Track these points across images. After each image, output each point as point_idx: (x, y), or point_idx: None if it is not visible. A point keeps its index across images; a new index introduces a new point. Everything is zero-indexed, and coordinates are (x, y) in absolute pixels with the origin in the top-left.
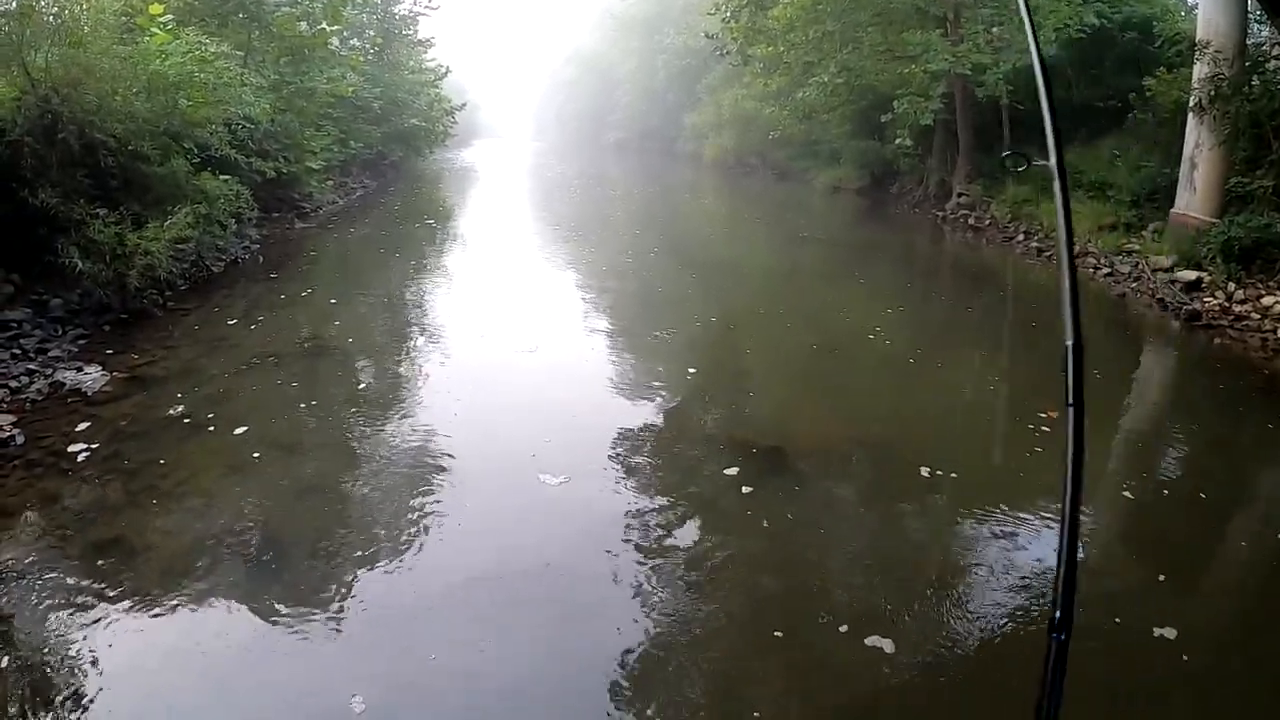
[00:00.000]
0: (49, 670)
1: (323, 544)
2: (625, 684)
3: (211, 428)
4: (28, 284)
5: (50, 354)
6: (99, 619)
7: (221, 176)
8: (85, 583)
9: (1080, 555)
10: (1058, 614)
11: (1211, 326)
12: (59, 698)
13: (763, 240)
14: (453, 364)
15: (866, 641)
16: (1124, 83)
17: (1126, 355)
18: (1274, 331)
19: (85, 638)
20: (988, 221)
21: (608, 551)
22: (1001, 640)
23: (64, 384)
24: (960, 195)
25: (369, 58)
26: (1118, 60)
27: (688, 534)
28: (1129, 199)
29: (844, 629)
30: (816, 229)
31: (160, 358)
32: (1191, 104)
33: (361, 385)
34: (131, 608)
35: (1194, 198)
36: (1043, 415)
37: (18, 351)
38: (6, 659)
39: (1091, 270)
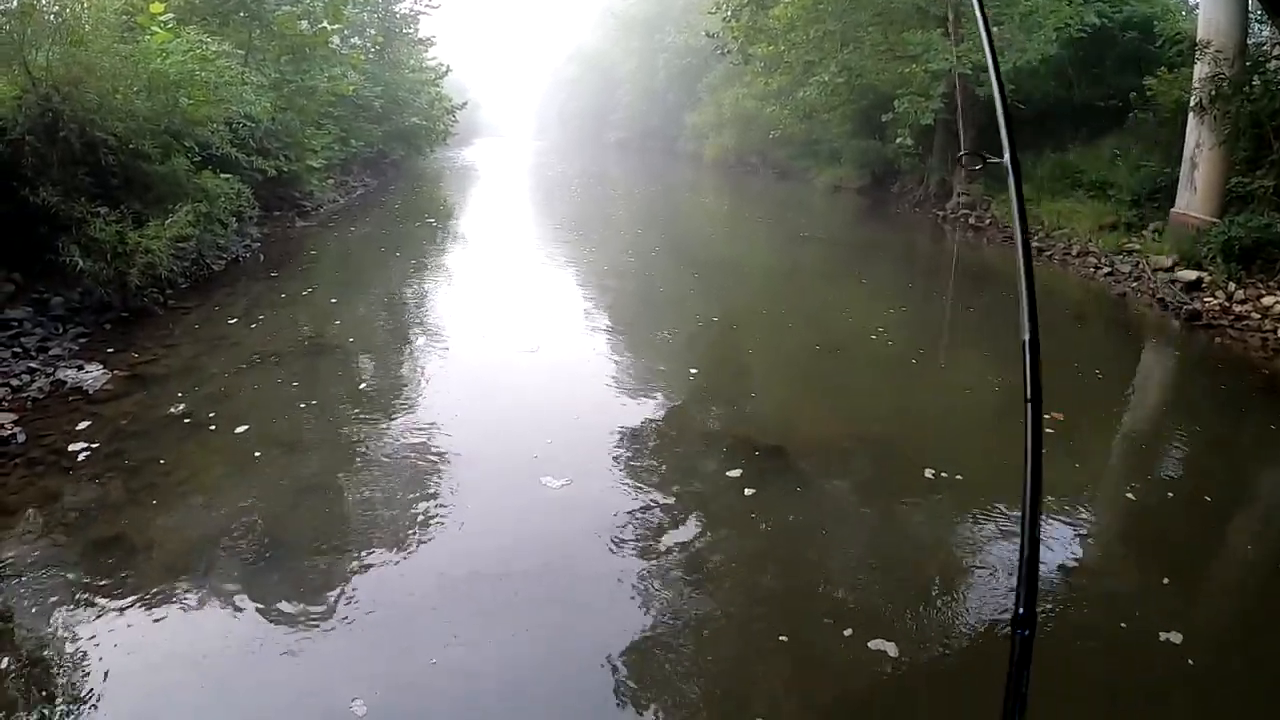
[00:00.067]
0: (49, 669)
1: (323, 543)
2: (625, 684)
3: (212, 426)
4: (29, 282)
5: (51, 352)
6: (99, 617)
7: (222, 175)
8: (86, 581)
9: (1080, 555)
10: (1020, 610)
11: (1212, 326)
12: (59, 696)
13: (764, 239)
14: (454, 363)
15: (870, 645)
16: (1125, 82)
17: (1127, 355)
18: (1274, 331)
19: (85, 636)
20: (988, 221)
21: (609, 551)
22: (1002, 640)
23: (65, 382)
24: (961, 195)
25: (370, 56)
26: (1118, 60)
27: (689, 534)
28: (1129, 198)
29: (848, 632)
30: (817, 228)
31: (161, 356)
32: (1192, 104)
33: (362, 385)
34: (132, 606)
35: (1194, 197)
36: (1046, 416)
37: (19, 350)
38: (7, 658)
39: (1092, 270)
